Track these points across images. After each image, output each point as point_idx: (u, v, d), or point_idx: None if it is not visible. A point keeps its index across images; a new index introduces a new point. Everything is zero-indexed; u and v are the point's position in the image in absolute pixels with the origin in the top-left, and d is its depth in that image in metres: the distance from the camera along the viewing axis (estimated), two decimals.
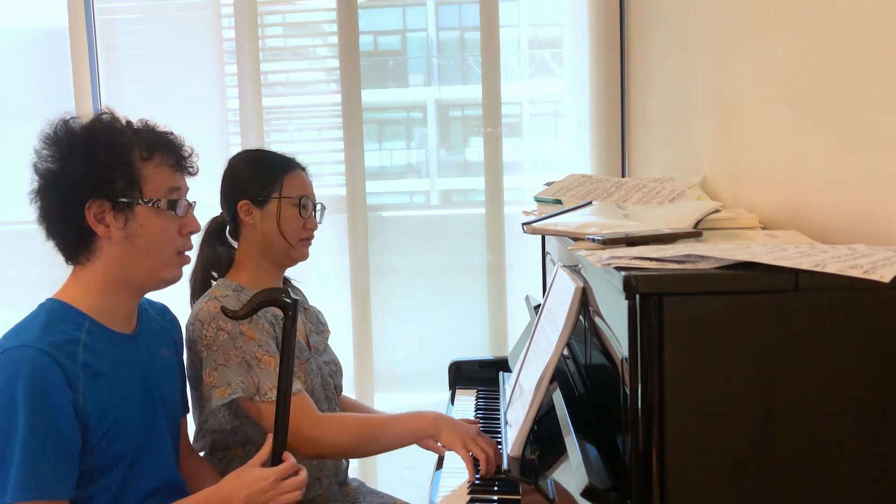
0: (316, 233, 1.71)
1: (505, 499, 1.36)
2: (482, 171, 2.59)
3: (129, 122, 1.32)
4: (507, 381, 1.68)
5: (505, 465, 1.23)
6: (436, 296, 2.66)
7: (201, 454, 1.62)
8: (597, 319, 1.10)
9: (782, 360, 0.79)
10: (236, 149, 2.03)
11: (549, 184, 1.67)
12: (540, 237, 2.04)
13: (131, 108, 1.47)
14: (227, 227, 1.70)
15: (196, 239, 1.44)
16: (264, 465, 1.30)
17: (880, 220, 0.99)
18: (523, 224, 1.31)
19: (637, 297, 0.79)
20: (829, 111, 1.12)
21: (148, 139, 1.30)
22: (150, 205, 1.27)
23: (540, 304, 1.40)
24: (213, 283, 1.66)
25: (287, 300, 1.33)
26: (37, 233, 1.30)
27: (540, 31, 2.73)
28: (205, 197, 1.63)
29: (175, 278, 1.35)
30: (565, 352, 1.29)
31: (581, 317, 1.26)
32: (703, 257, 0.84)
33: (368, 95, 2.61)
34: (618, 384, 0.95)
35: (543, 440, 1.22)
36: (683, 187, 1.50)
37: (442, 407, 1.97)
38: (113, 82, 2.70)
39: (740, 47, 1.47)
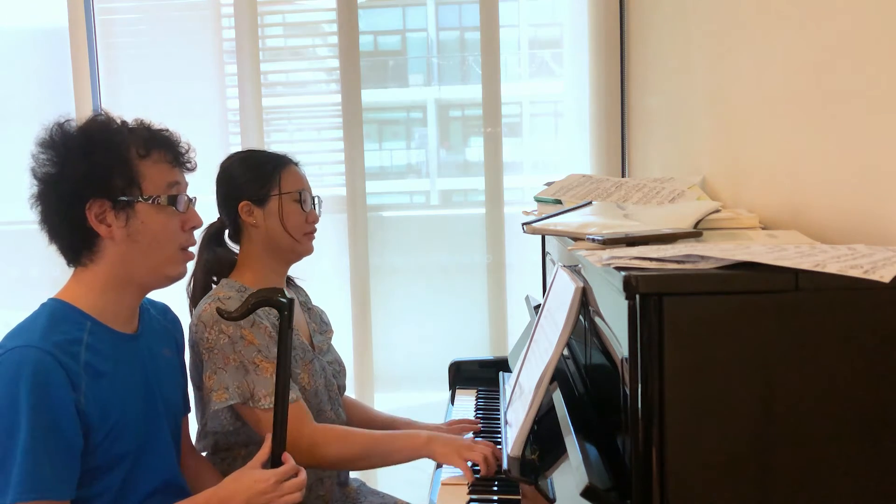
0: (316, 233, 1.71)
1: (505, 499, 1.36)
2: (482, 171, 2.59)
3: (124, 122, 1.32)
4: (507, 381, 1.68)
5: (505, 465, 1.22)
6: (436, 296, 2.66)
7: (204, 454, 1.62)
8: (597, 319, 1.10)
9: (782, 360, 0.79)
10: (237, 149, 2.03)
11: (549, 184, 1.67)
12: (540, 237, 2.04)
13: (131, 108, 1.47)
14: (227, 231, 1.70)
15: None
16: (264, 465, 1.30)
17: (880, 220, 0.99)
18: (523, 224, 1.31)
19: (637, 297, 0.79)
20: (829, 111, 1.12)
21: (144, 136, 1.30)
22: (150, 202, 1.27)
23: (540, 304, 1.40)
24: (215, 285, 1.66)
25: (282, 300, 1.33)
26: (37, 233, 1.30)
27: (540, 31, 2.73)
28: (206, 197, 1.63)
29: (180, 275, 1.35)
30: (565, 352, 1.29)
31: (581, 317, 1.26)
32: (703, 257, 0.84)
33: (368, 95, 2.61)
34: (618, 384, 0.95)
35: (543, 440, 1.22)
36: (683, 187, 1.50)
37: (442, 407, 1.97)
38: (113, 82, 2.70)
39: (740, 47, 1.47)
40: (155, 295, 1.42)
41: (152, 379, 1.35)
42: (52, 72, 2.71)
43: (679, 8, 1.88)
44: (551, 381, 1.17)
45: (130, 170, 1.26)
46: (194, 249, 1.39)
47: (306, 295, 1.84)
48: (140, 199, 1.27)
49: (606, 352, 1.06)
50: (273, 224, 1.62)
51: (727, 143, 1.56)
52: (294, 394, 1.48)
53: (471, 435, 1.67)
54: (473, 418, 1.79)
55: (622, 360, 0.91)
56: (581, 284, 1.11)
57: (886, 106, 0.97)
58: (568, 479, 1.02)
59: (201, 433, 1.60)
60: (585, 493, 0.88)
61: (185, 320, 1.57)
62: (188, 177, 1.37)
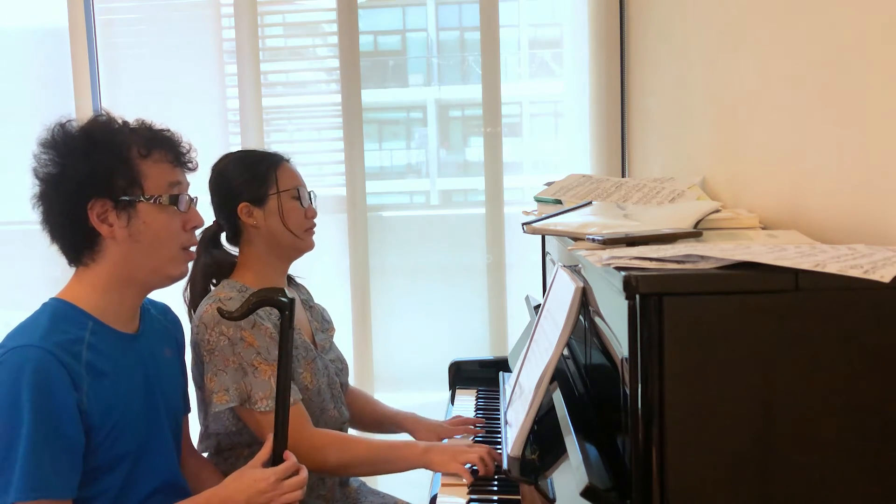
0: (316, 233, 1.71)
1: (505, 499, 1.36)
2: (482, 171, 2.59)
3: (125, 122, 1.32)
4: (507, 381, 1.68)
5: (505, 465, 1.23)
6: (436, 296, 2.66)
7: (206, 454, 1.62)
8: (597, 319, 1.10)
9: (782, 360, 0.79)
10: (237, 149, 2.03)
11: (549, 184, 1.67)
12: (540, 237, 2.04)
13: (131, 108, 1.47)
14: (224, 234, 1.69)
15: None
16: (265, 465, 1.30)
17: (880, 220, 0.99)
18: (523, 224, 1.32)
19: (637, 297, 0.79)
20: (829, 111, 1.12)
21: (145, 136, 1.30)
22: (151, 201, 1.28)
23: (540, 304, 1.40)
24: (214, 287, 1.65)
25: (283, 299, 1.33)
26: (38, 233, 1.30)
27: (540, 31, 2.73)
28: (206, 197, 1.64)
29: (182, 274, 1.36)
30: (565, 352, 1.29)
31: (581, 317, 1.26)
32: (703, 257, 0.84)
33: (368, 95, 2.61)
34: (618, 384, 0.95)
35: (543, 440, 1.22)
36: (683, 187, 1.50)
37: (442, 407, 1.98)
38: (113, 82, 2.70)
39: (740, 47, 1.47)
40: (155, 295, 1.43)
41: (153, 379, 1.35)
42: (52, 72, 2.71)
43: (679, 8, 1.88)
44: (551, 381, 1.17)
45: (132, 170, 1.27)
46: (195, 249, 1.39)
47: (308, 293, 1.84)
48: (142, 198, 1.27)
49: (606, 352, 1.06)
50: (274, 223, 1.62)
51: (727, 143, 1.56)
52: (294, 396, 1.48)
53: (470, 438, 1.68)
54: (474, 417, 1.80)
55: (622, 360, 0.91)
56: (581, 284, 1.11)
57: (886, 106, 0.97)
58: (568, 479, 1.02)
59: (204, 434, 1.60)
60: (585, 493, 0.89)
61: (184, 322, 1.57)
62: (189, 177, 1.37)
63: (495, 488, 1.40)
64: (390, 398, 2.60)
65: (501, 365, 1.99)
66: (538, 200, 1.59)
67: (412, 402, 2.56)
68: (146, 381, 1.33)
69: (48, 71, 2.73)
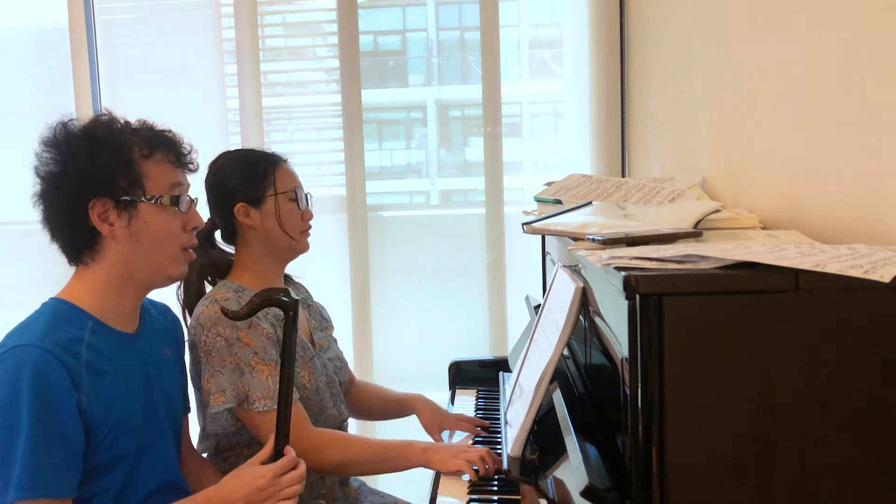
0: (316, 233, 1.71)
1: (505, 499, 1.36)
2: (482, 171, 2.59)
3: (127, 122, 1.32)
4: (507, 381, 1.68)
5: (505, 465, 1.23)
6: (436, 296, 2.66)
7: (206, 455, 1.62)
8: (597, 319, 1.10)
9: (782, 360, 0.79)
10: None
11: (549, 184, 1.67)
12: (540, 237, 2.04)
13: (131, 108, 1.47)
14: (220, 234, 1.69)
15: None
16: (264, 463, 1.30)
17: (880, 220, 0.99)
18: (523, 224, 1.32)
19: (637, 297, 0.79)
20: (829, 111, 1.12)
21: (147, 137, 1.30)
22: (152, 202, 1.28)
23: (540, 304, 1.40)
24: (210, 286, 1.65)
25: (287, 300, 1.33)
26: (37, 233, 1.30)
27: (540, 31, 2.73)
28: (203, 195, 1.63)
29: (181, 274, 1.36)
30: (565, 352, 1.29)
31: (581, 317, 1.26)
32: (703, 257, 0.84)
33: (368, 95, 2.61)
34: (618, 384, 0.95)
35: (543, 440, 1.22)
36: (683, 187, 1.50)
37: (442, 407, 1.97)
38: (113, 82, 2.70)
39: (740, 47, 1.47)
40: (155, 295, 1.43)
41: (153, 379, 1.35)
42: (52, 72, 2.71)
43: (679, 8, 1.88)
44: (551, 381, 1.17)
45: (133, 170, 1.27)
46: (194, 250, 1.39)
47: (306, 291, 1.84)
48: (143, 198, 1.27)
49: (606, 352, 1.06)
50: (270, 224, 1.62)
51: (727, 143, 1.56)
52: (293, 395, 1.48)
53: (469, 440, 1.68)
54: (474, 416, 1.80)
55: (622, 360, 0.91)
56: (581, 284, 1.11)
57: (886, 106, 0.97)
58: (568, 479, 1.02)
59: (203, 434, 1.60)
60: (585, 493, 0.89)
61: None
62: (189, 177, 1.37)
63: (495, 488, 1.40)
64: None
65: (501, 365, 1.99)
66: (538, 200, 1.59)
67: None
68: (146, 380, 1.33)
69: (48, 71, 2.73)
